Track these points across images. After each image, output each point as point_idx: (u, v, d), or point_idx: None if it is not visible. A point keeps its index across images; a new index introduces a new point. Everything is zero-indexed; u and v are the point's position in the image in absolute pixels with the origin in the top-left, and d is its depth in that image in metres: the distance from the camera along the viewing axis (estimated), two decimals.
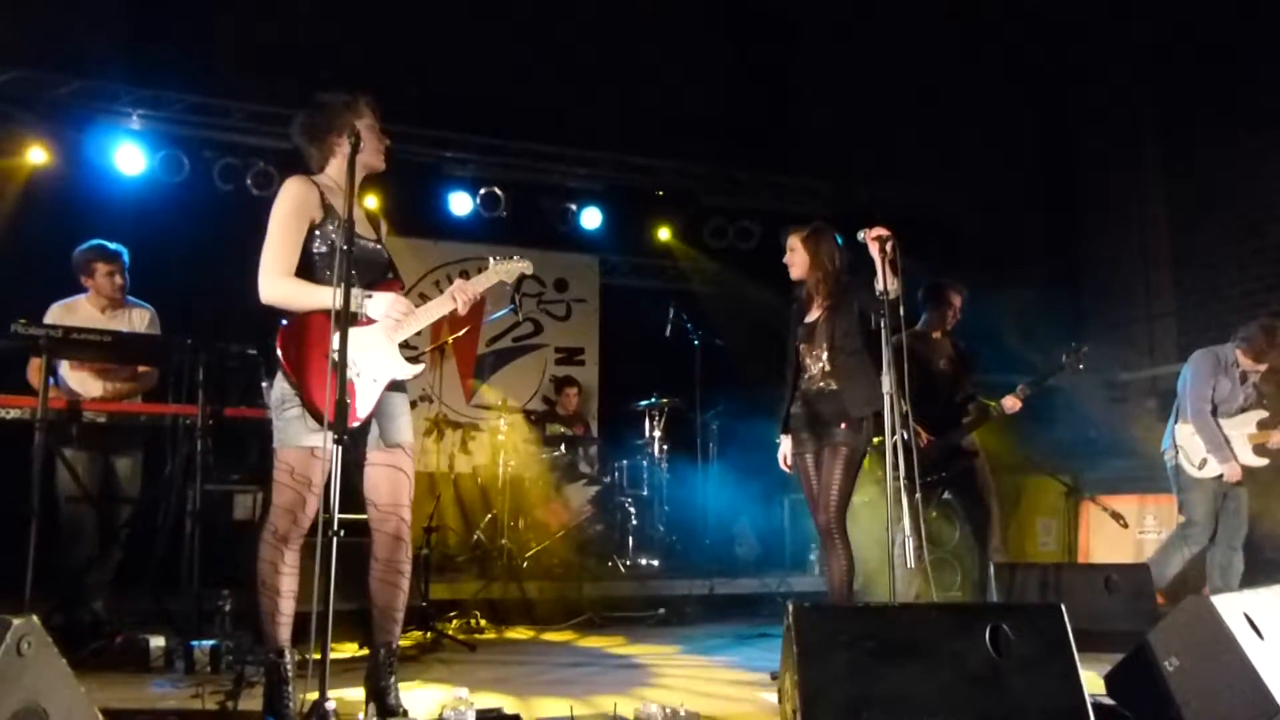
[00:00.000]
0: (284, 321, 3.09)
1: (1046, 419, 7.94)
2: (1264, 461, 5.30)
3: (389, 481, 3.22)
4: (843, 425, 4.22)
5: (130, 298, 5.05)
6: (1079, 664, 2.69)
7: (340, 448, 2.78)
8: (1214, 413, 5.38)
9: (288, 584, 3.10)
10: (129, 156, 7.43)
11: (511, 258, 3.50)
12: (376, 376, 3.16)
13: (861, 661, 2.65)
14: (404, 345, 3.29)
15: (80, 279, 4.94)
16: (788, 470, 4.50)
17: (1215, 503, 5.34)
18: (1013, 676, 2.65)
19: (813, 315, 4.40)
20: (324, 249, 3.12)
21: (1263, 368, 5.40)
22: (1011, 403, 5.19)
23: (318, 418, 2.98)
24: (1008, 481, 6.83)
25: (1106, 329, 8.47)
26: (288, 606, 3.11)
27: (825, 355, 4.29)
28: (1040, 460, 6.92)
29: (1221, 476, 5.28)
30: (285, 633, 3.09)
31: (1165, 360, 8.18)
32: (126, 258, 5.00)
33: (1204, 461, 5.35)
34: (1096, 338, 7.82)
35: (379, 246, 3.34)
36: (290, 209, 3.12)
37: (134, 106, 7.47)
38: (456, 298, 3.26)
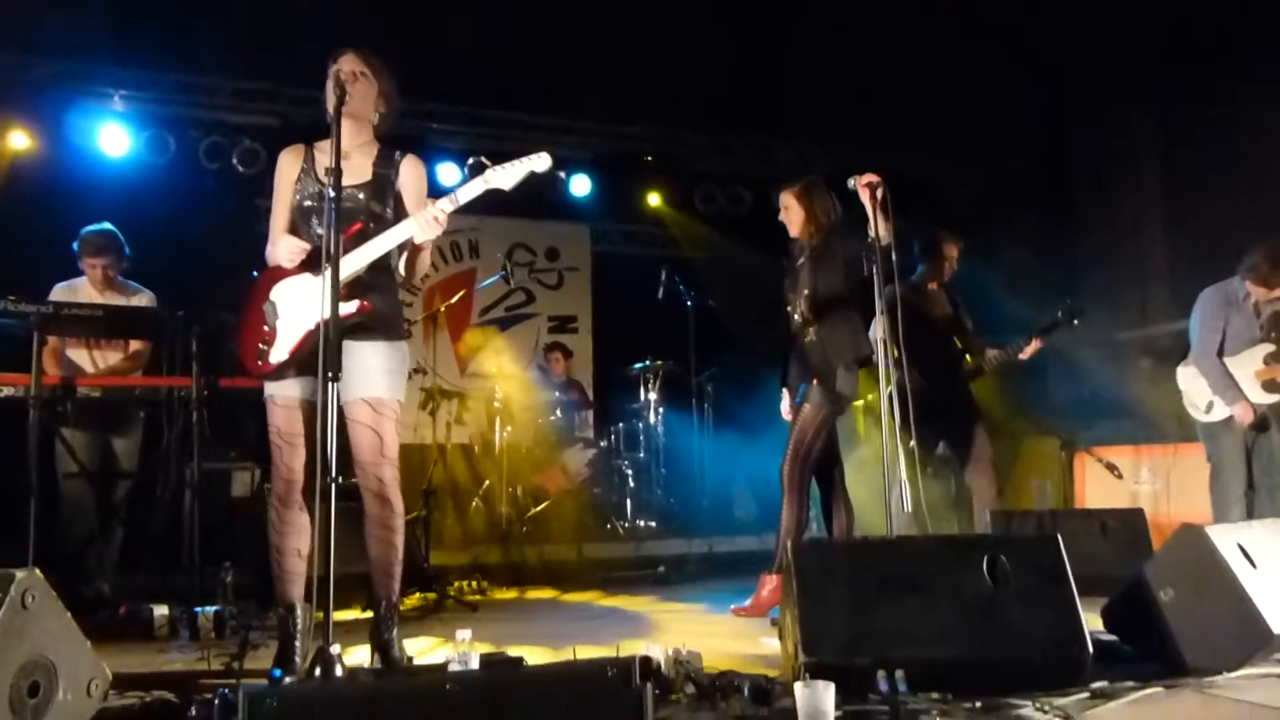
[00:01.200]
0: (255, 275, 3.27)
1: (1040, 380, 7.99)
2: (1275, 398, 4.97)
3: (365, 438, 3.18)
4: (814, 382, 4.28)
5: (131, 282, 5.07)
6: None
7: (309, 402, 2.98)
8: (1221, 352, 5.10)
9: (290, 542, 3.13)
10: (113, 138, 7.39)
11: (509, 163, 3.22)
12: (300, 319, 3.13)
13: (861, 596, 2.69)
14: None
15: (79, 262, 4.97)
16: (789, 421, 4.53)
17: (1238, 448, 5.02)
18: (1010, 607, 2.69)
19: (798, 267, 4.45)
20: (297, 204, 3.27)
21: (1273, 298, 5.07)
22: (1034, 346, 5.16)
23: (245, 369, 3.19)
24: (1003, 442, 6.85)
25: (1099, 289, 8.48)
26: (292, 564, 3.14)
27: (805, 304, 4.34)
28: (1035, 419, 6.95)
29: (1233, 419, 5.01)
30: (295, 590, 3.12)
31: (1159, 320, 8.21)
32: (121, 242, 4.99)
33: (1210, 405, 5.11)
34: (1090, 298, 7.82)
35: (353, 190, 3.20)
36: (277, 179, 3.33)
37: (116, 87, 7.42)
38: (417, 221, 3.08)
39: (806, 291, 4.39)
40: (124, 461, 4.87)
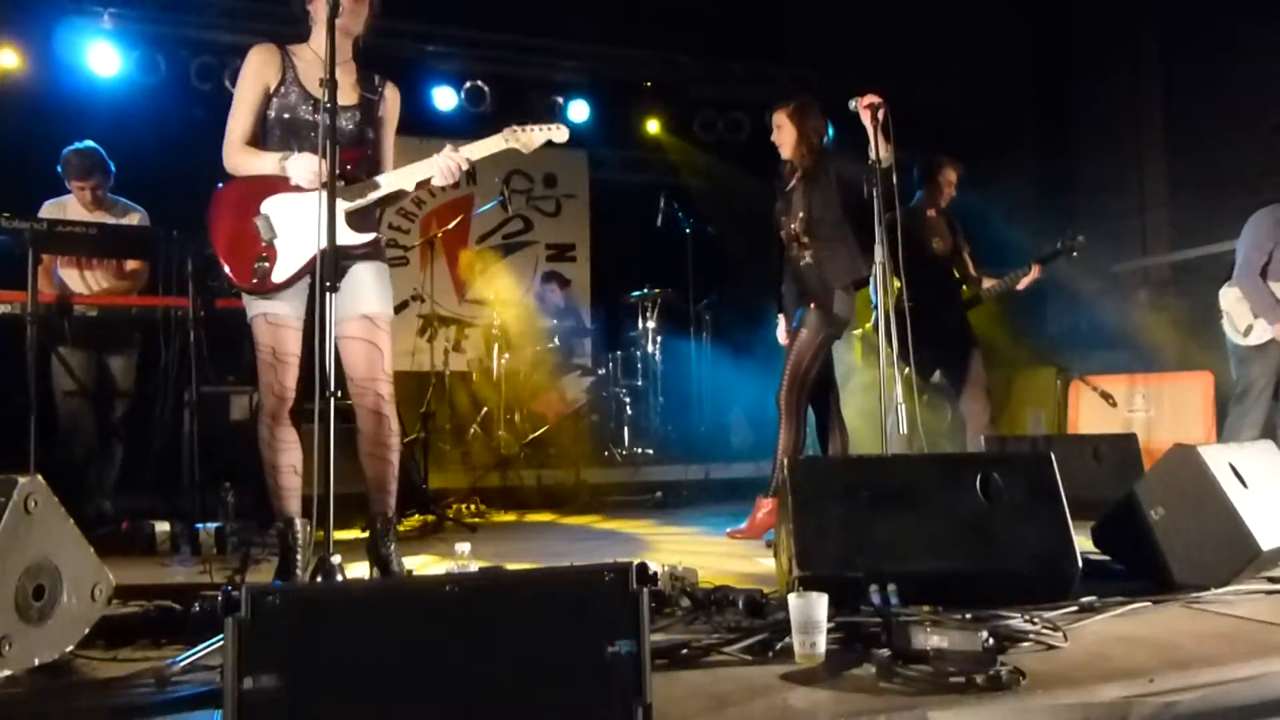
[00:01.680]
0: (219, 185, 3.11)
1: (1037, 312, 7.99)
2: None
3: (362, 354, 3.18)
4: (811, 305, 4.27)
5: (122, 199, 5.01)
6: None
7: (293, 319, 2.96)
8: (1265, 275, 4.99)
9: (284, 459, 3.13)
10: (103, 57, 7.26)
11: (538, 126, 3.31)
12: (303, 242, 3.06)
13: (855, 510, 2.71)
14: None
15: (65, 180, 4.91)
16: (785, 346, 4.54)
17: (1269, 375, 4.98)
18: (1002, 522, 2.72)
19: (792, 188, 4.41)
20: (276, 115, 3.13)
21: None
22: (1032, 275, 5.17)
23: (232, 283, 3.07)
24: (999, 371, 6.88)
25: (1098, 220, 8.42)
26: (288, 480, 3.14)
27: (802, 227, 4.31)
28: (1031, 349, 6.97)
29: (1274, 341, 4.93)
30: (292, 505, 3.13)
31: (1157, 251, 8.18)
32: (105, 159, 4.91)
33: (1249, 328, 5.01)
34: (1088, 229, 7.76)
35: (353, 113, 3.22)
36: (246, 76, 3.16)
37: (105, 4, 7.27)
38: (437, 165, 3.16)
39: (801, 214, 4.35)
40: (121, 381, 4.88)
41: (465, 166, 3.20)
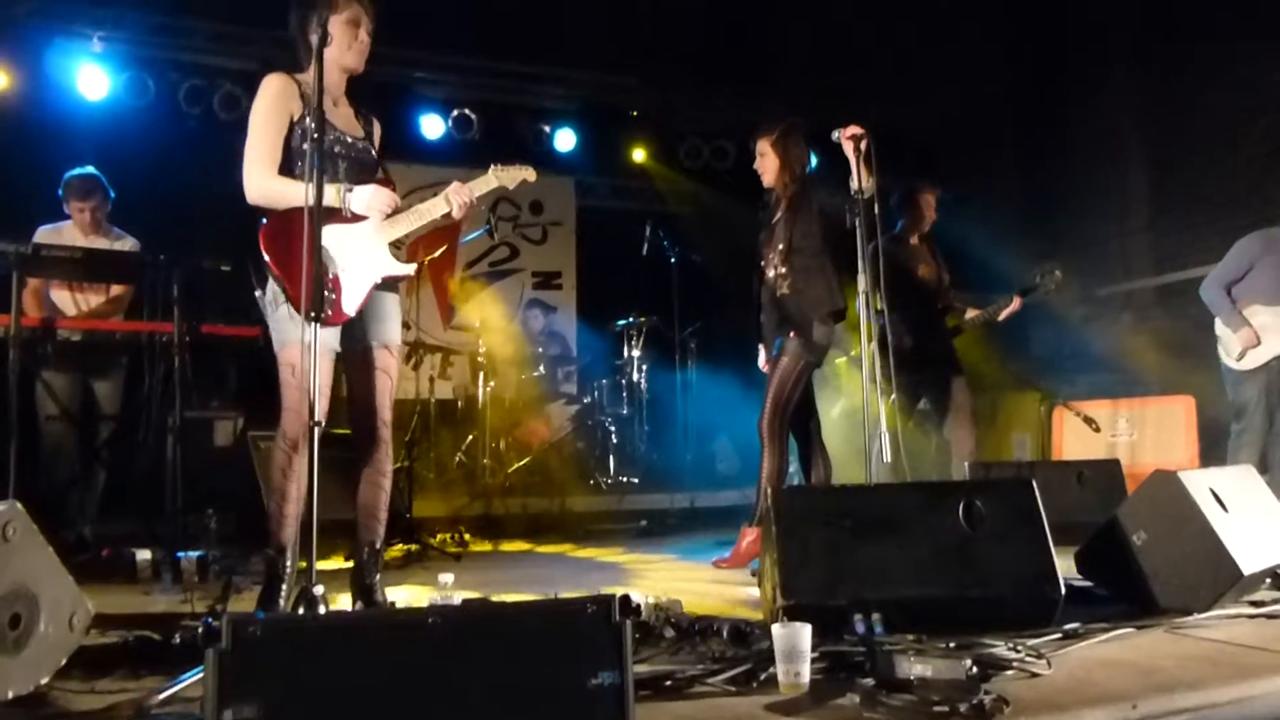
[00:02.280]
0: (264, 220, 3.08)
1: (1020, 335, 8.03)
2: None
3: (375, 382, 3.25)
4: (792, 334, 4.29)
5: (115, 228, 5.04)
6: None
7: (337, 351, 3.00)
8: (1233, 293, 5.10)
9: (294, 487, 3.10)
10: (92, 79, 7.26)
11: (514, 165, 3.48)
12: (365, 273, 3.14)
13: (839, 539, 2.72)
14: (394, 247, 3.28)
15: (64, 205, 4.93)
16: (767, 374, 4.55)
17: (1265, 396, 5.03)
18: (985, 548, 2.73)
19: (774, 218, 4.44)
20: (299, 145, 3.09)
21: None
22: (1013, 307, 5.24)
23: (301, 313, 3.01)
24: (983, 396, 6.92)
25: (1081, 244, 8.50)
26: (293, 509, 3.11)
27: (781, 257, 4.33)
28: (1015, 374, 7.01)
29: (1270, 366, 4.99)
30: (289, 533, 3.11)
31: (1140, 274, 8.25)
32: (106, 185, 4.96)
33: (1242, 353, 5.08)
34: (1071, 253, 7.86)
35: (366, 144, 3.30)
36: (268, 104, 3.13)
37: (94, 27, 7.27)
38: (451, 200, 3.26)
39: (782, 246, 4.37)
40: (105, 405, 4.86)
41: (475, 201, 3.33)
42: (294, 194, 3.01)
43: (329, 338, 3.08)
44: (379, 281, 3.20)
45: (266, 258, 3.02)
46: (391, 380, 3.29)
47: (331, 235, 3.03)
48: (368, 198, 3.13)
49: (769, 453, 4.33)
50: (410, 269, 3.31)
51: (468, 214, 3.34)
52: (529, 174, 3.52)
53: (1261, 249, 5.08)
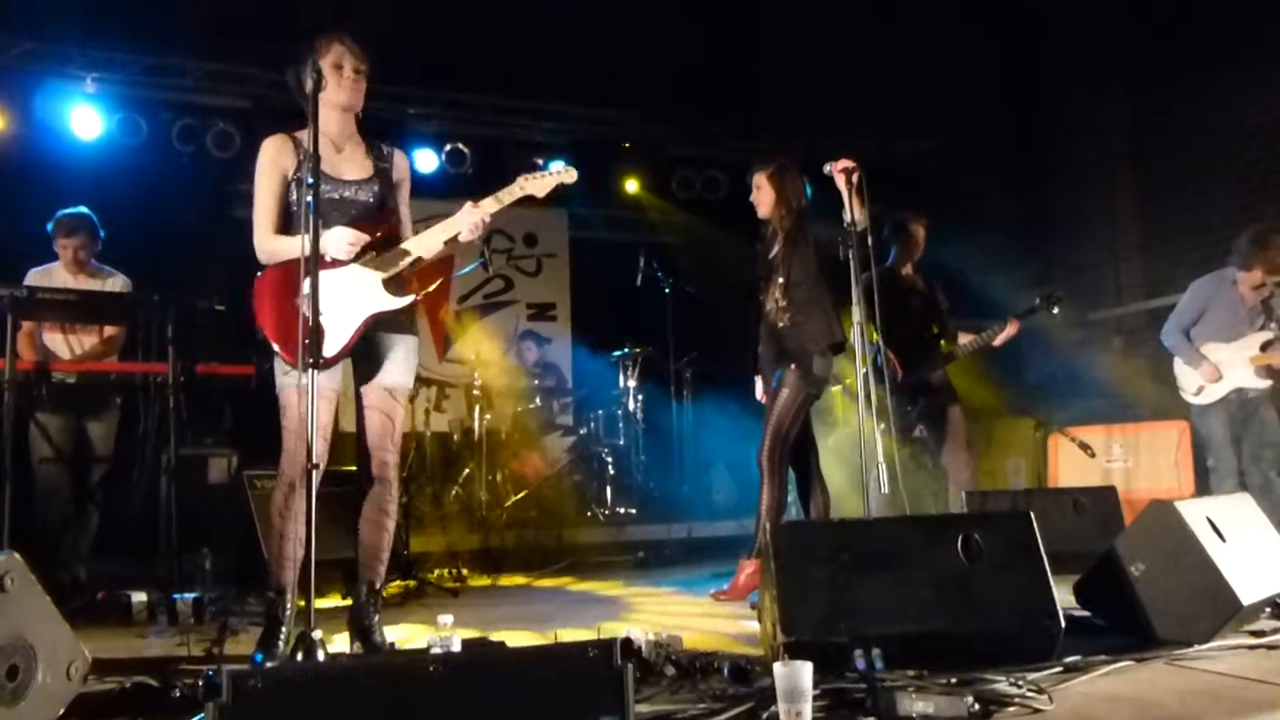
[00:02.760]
0: (259, 273, 3.19)
1: (1014, 361, 8.05)
2: (1266, 383, 5.12)
3: (376, 424, 3.28)
4: (792, 366, 4.31)
5: (105, 266, 5.04)
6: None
7: (337, 392, 3.03)
8: (1188, 335, 5.31)
9: (293, 527, 3.11)
10: (85, 120, 7.28)
11: (545, 172, 3.37)
12: (350, 315, 3.16)
13: (838, 574, 2.72)
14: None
15: (54, 245, 4.94)
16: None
17: (1231, 427, 5.18)
18: (984, 582, 2.73)
19: (772, 251, 4.46)
20: (298, 198, 3.17)
21: (1259, 281, 5.16)
22: (1009, 331, 5.29)
23: (287, 362, 3.10)
24: (978, 423, 6.92)
25: (1072, 270, 8.56)
26: (292, 549, 3.12)
27: (780, 291, 4.36)
28: (1010, 400, 7.03)
29: (1228, 399, 5.16)
30: (289, 575, 3.11)
31: (1131, 299, 8.29)
32: (95, 224, 4.97)
33: (1200, 388, 5.25)
34: (1062, 279, 7.91)
35: (369, 187, 3.30)
36: (263, 168, 3.24)
37: (87, 69, 7.30)
38: (462, 221, 3.22)
39: (781, 279, 4.40)
40: (99, 447, 4.85)
41: (488, 220, 3.27)
42: (287, 249, 3.15)
43: (325, 379, 3.08)
44: (369, 320, 3.18)
45: (255, 312, 3.12)
46: (393, 421, 3.29)
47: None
48: (330, 241, 3.12)
49: (768, 485, 4.34)
50: (407, 300, 3.26)
51: (478, 233, 3.26)
52: (568, 175, 3.40)
53: (1214, 289, 5.32)
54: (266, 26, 6.75)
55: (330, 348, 3.08)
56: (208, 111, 7.58)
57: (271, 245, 3.19)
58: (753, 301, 4.57)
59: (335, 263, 3.16)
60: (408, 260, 3.25)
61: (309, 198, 2.87)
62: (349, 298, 3.17)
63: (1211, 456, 5.31)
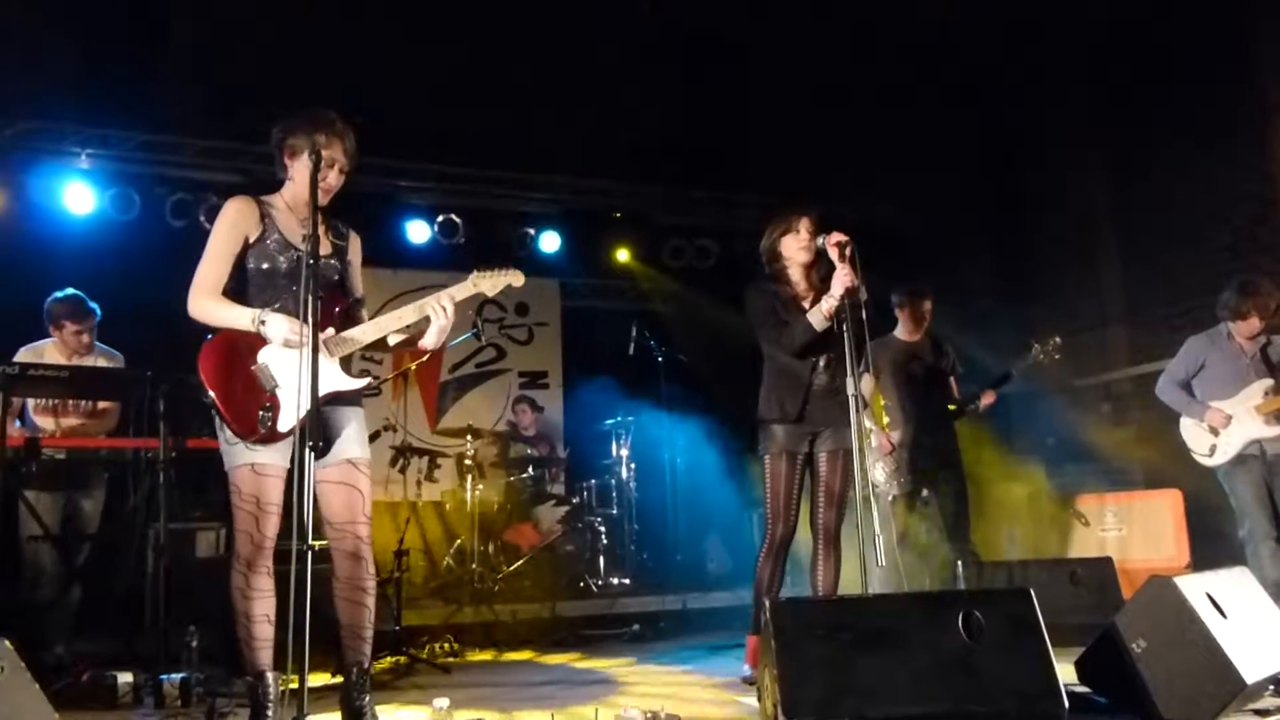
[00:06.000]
0: (209, 336, 3.11)
1: (1003, 427, 8.08)
2: (1277, 430, 4.94)
3: (342, 498, 3.18)
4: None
5: (100, 344, 5.05)
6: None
7: (296, 466, 2.85)
8: (1190, 389, 5.24)
9: (258, 608, 3.07)
10: (78, 196, 7.32)
11: (498, 270, 3.40)
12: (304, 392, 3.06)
13: (839, 652, 2.69)
14: (366, 373, 3.25)
15: (48, 327, 4.94)
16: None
17: (1258, 488, 4.95)
18: (986, 660, 2.71)
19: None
20: (255, 265, 3.16)
21: (1255, 330, 5.10)
22: (987, 398, 5.41)
23: (237, 434, 3.02)
24: (973, 489, 6.92)
25: (1057, 334, 8.60)
26: (261, 631, 3.07)
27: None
28: (1003, 467, 7.04)
29: (1247, 456, 4.98)
30: (263, 657, 3.06)
31: (1117, 365, 8.34)
32: (99, 314, 4.99)
33: (1212, 447, 5.09)
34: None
35: (333, 263, 3.30)
36: (223, 226, 3.19)
37: (82, 146, 7.38)
38: (427, 308, 3.21)
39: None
40: (87, 523, 4.82)
41: (451, 312, 3.24)
42: (224, 317, 3.09)
43: (276, 458, 3.07)
44: (325, 398, 3.07)
45: (203, 379, 3.02)
46: (360, 492, 3.20)
47: (272, 353, 3.08)
48: (277, 329, 3.07)
49: (837, 554, 4.23)
50: (362, 383, 3.25)
51: (452, 319, 3.25)
52: (515, 278, 3.40)
53: (1209, 344, 5.25)
54: (259, 101, 6.85)
55: (284, 422, 3.05)
56: (200, 186, 7.64)
57: (209, 305, 3.10)
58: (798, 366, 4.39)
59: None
60: (368, 339, 3.23)
61: (306, 270, 2.89)
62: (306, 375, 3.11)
63: (1241, 525, 5.02)
